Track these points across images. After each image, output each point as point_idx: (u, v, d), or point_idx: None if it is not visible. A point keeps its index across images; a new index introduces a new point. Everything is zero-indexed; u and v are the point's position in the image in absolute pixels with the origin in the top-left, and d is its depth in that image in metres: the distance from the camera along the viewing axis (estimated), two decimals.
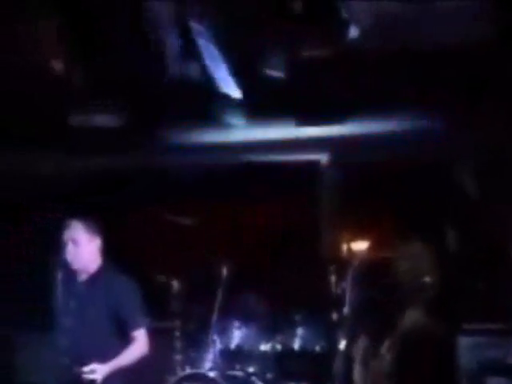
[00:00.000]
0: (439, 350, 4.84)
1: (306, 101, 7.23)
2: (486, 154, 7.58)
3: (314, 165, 8.45)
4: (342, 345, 5.12)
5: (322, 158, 8.43)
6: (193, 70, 6.46)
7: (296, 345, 7.32)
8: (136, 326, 5.48)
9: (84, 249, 5.54)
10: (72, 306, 5.46)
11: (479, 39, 5.75)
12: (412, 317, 4.96)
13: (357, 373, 4.94)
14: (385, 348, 4.91)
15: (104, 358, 5.34)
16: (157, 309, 6.33)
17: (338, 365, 5.09)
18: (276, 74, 6.64)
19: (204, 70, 6.28)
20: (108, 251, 5.68)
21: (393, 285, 5.13)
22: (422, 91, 6.75)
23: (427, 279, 5.03)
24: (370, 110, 7.39)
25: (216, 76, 6.25)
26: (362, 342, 5.01)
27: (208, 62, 6.02)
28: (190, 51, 5.95)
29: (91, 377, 5.29)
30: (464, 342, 6.54)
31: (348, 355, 5.12)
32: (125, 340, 5.46)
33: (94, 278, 5.56)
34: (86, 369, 5.28)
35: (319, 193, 8.46)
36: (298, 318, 7.39)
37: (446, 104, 6.92)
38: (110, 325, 5.46)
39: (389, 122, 7.76)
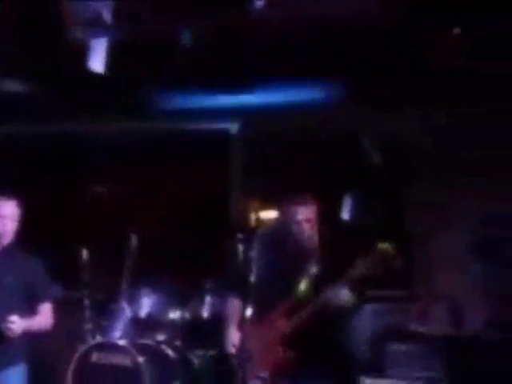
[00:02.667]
0: (340, 315, 4.97)
1: (216, 70, 7.26)
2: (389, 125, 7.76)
3: (224, 133, 8.48)
4: (249, 312, 5.18)
5: (232, 126, 8.47)
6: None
7: (205, 313, 7.39)
8: (41, 299, 5.62)
9: (9, 222, 5.57)
10: None
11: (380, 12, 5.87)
12: (312, 283, 5.08)
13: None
14: (284, 312, 5.01)
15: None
16: (66, 278, 6.34)
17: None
18: (185, 43, 6.64)
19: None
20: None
21: (295, 252, 5.25)
22: (328, 61, 6.85)
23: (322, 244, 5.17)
24: (279, 79, 7.46)
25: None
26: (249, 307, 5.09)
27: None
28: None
29: (11, 328, 5.32)
30: (366, 308, 6.73)
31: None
32: (33, 309, 5.58)
33: (8, 247, 5.59)
34: (6, 320, 5.32)
35: (229, 162, 8.50)
36: (207, 285, 7.44)
37: (350, 74, 7.04)
38: (21, 295, 5.53)
39: (298, 91, 7.84)
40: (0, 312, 5.38)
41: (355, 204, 7.32)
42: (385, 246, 4.81)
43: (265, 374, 4.95)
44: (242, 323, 5.11)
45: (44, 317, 5.61)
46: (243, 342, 5.04)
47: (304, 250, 5.19)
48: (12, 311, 5.39)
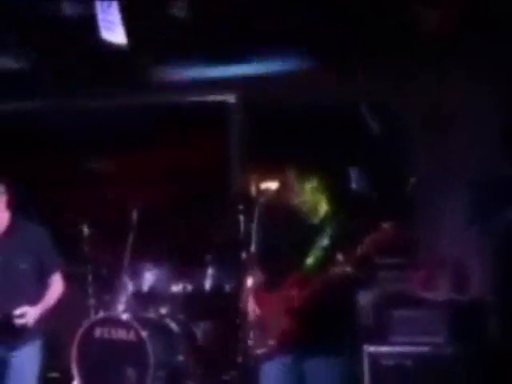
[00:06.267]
0: (346, 285, 4.97)
1: (211, 42, 7.22)
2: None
3: (221, 105, 8.44)
4: (250, 283, 5.18)
5: (230, 98, 8.43)
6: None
7: (207, 285, 7.40)
8: (52, 270, 5.65)
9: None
10: None
11: None
12: (317, 254, 5.08)
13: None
14: (293, 283, 5.02)
15: (30, 304, 5.44)
16: (69, 254, 6.32)
17: (243, 303, 5.18)
18: (180, 14, 6.60)
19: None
20: (18, 199, 5.66)
21: (297, 223, 5.23)
22: (320, 32, 6.82)
23: (329, 218, 5.16)
24: (274, 49, 7.42)
25: (104, 19, 6.09)
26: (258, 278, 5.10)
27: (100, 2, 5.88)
28: None
29: (22, 321, 5.37)
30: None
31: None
32: (44, 284, 5.60)
33: (7, 233, 5.57)
34: (17, 312, 5.36)
35: (228, 133, 8.47)
36: (208, 258, 7.45)
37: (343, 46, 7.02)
38: (31, 272, 5.53)
39: (295, 61, 7.81)
40: (13, 300, 5.40)
41: (358, 176, 7.30)
42: (389, 225, 4.82)
43: (273, 342, 4.98)
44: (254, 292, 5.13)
45: (57, 285, 5.65)
46: (254, 310, 5.07)
47: (308, 222, 5.18)
48: (24, 297, 5.42)
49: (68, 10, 6.04)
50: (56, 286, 5.65)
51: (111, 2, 5.96)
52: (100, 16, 5.96)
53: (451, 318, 6.54)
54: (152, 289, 7.40)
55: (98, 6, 5.96)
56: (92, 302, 7.52)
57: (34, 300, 5.48)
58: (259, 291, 5.06)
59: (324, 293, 4.91)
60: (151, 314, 7.27)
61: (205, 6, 6.43)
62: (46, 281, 5.61)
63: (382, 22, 6.69)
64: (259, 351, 5.00)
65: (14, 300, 5.40)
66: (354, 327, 5.18)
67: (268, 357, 4.98)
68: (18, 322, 5.36)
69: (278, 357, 4.97)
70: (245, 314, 5.17)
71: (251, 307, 5.06)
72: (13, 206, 5.61)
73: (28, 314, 5.39)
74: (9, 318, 5.36)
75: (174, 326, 7.15)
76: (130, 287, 7.32)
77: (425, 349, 6.50)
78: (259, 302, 5.05)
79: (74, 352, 6.92)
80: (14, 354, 5.47)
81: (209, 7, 6.47)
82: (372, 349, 6.58)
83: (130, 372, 6.76)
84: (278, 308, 4.98)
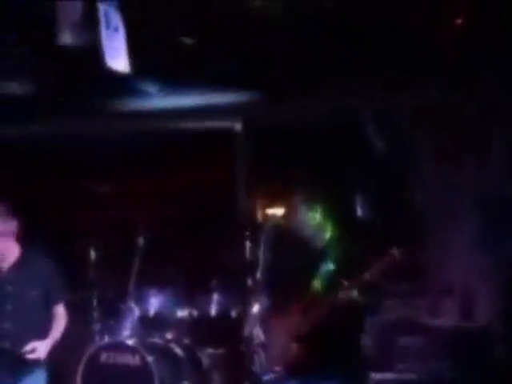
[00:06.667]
0: (352, 310, 4.97)
1: (217, 68, 7.25)
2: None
3: (227, 132, 8.46)
4: (256, 309, 5.18)
5: (236, 125, 8.45)
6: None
7: (212, 310, 7.40)
8: (56, 301, 5.69)
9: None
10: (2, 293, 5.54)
11: None
12: (323, 279, 5.08)
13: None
14: (297, 311, 5.02)
15: (40, 336, 5.51)
16: (74, 279, 6.34)
17: (249, 329, 5.17)
18: (187, 41, 6.64)
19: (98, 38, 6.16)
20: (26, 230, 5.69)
21: (303, 248, 5.24)
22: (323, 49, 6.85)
23: (335, 243, 5.16)
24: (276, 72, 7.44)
25: (109, 46, 6.12)
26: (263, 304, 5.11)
27: (106, 30, 5.90)
28: (90, 17, 5.85)
29: (34, 356, 5.44)
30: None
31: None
32: (50, 312, 5.65)
33: (17, 265, 5.62)
34: (27, 348, 5.42)
35: (233, 160, 8.48)
36: (213, 283, 7.45)
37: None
38: (39, 300, 5.58)
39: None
40: (23, 328, 5.47)
41: (363, 201, 7.31)
42: (396, 250, 4.83)
43: (279, 369, 4.97)
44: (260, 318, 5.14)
45: (61, 316, 5.69)
46: (259, 336, 5.08)
47: (314, 247, 5.18)
48: (33, 325, 5.50)
49: (68, 40, 6.06)
50: (61, 318, 5.69)
51: (117, 29, 6.00)
52: (105, 43, 6.00)
53: (458, 345, 6.52)
54: (157, 314, 7.40)
55: (104, 34, 5.98)
56: (97, 326, 7.52)
57: (41, 328, 5.55)
58: (265, 317, 5.06)
59: (330, 318, 4.91)
60: (157, 339, 7.25)
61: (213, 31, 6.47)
62: (51, 309, 5.66)
63: (384, 37, 6.69)
64: (265, 377, 5.00)
65: (24, 329, 5.47)
66: (360, 353, 5.17)
67: (274, 383, 4.98)
68: (29, 357, 5.42)
69: (284, 383, 4.97)
70: (249, 340, 5.17)
71: (257, 333, 5.07)
72: (22, 238, 5.66)
73: (39, 349, 5.45)
74: (20, 353, 5.41)
75: (179, 351, 7.13)
76: (136, 312, 7.31)
77: (431, 376, 6.48)
78: (265, 328, 5.06)
79: (79, 377, 6.91)
80: (20, 381, 5.50)
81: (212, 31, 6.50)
82: (379, 376, 6.56)
83: None
84: (284, 333, 4.98)
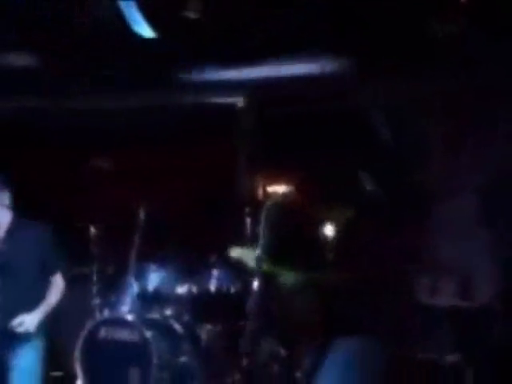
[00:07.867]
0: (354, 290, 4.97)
1: (223, 43, 7.22)
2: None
3: (231, 108, 8.43)
4: (256, 284, 5.18)
5: (239, 100, 8.42)
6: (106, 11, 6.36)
7: (212, 286, 7.38)
8: (53, 271, 5.65)
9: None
10: None
11: None
12: (325, 255, 5.08)
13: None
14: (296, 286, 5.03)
15: (33, 307, 5.49)
16: (75, 254, 6.33)
17: (250, 304, 5.18)
18: (193, 15, 6.61)
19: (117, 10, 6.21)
20: (21, 199, 5.66)
21: (303, 226, 5.23)
22: (335, 33, 6.81)
23: (338, 220, 5.15)
24: (286, 52, 7.40)
25: (129, 17, 6.18)
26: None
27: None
28: None
29: (22, 329, 5.41)
30: None
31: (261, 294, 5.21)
32: (46, 283, 5.63)
33: (9, 232, 5.58)
34: (14, 322, 5.41)
35: (236, 136, 8.47)
36: (213, 259, 7.43)
37: (359, 48, 7.00)
38: (33, 273, 5.55)
39: (305, 64, 7.79)
40: (15, 300, 5.43)
41: (367, 181, 7.27)
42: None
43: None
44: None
45: (57, 289, 5.65)
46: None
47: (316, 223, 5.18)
48: (26, 296, 5.46)
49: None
50: (56, 287, 5.65)
51: (131, 1, 6.08)
52: (126, 14, 6.11)
53: (456, 326, 6.52)
54: (157, 290, 7.39)
55: (122, 5, 6.09)
56: (97, 301, 7.53)
57: (35, 299, 5.51)
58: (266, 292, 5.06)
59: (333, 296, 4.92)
60: (156, 315, 7.25)
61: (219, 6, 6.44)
62: (48, 280, 5.63)
63: (392, 26, 6.68)
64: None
65: (16, 304, 5.43)
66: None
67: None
68: (18, 330, 5.40)
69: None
70: (251, 315, 5.17)
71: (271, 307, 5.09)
72: (15, 205, 5.63)
73: (27, 322, 5.42)
74: (8, 327, 5.38)
75: (178, 327, 7.13)
76: (135, 288, 7.31)
77: (429, 356, 6.47)
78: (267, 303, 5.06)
79: (78, 351, 6.91)
80: (15, 355, 5.48)
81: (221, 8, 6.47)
82: None
83: (134, 372, 6.75)
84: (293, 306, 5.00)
